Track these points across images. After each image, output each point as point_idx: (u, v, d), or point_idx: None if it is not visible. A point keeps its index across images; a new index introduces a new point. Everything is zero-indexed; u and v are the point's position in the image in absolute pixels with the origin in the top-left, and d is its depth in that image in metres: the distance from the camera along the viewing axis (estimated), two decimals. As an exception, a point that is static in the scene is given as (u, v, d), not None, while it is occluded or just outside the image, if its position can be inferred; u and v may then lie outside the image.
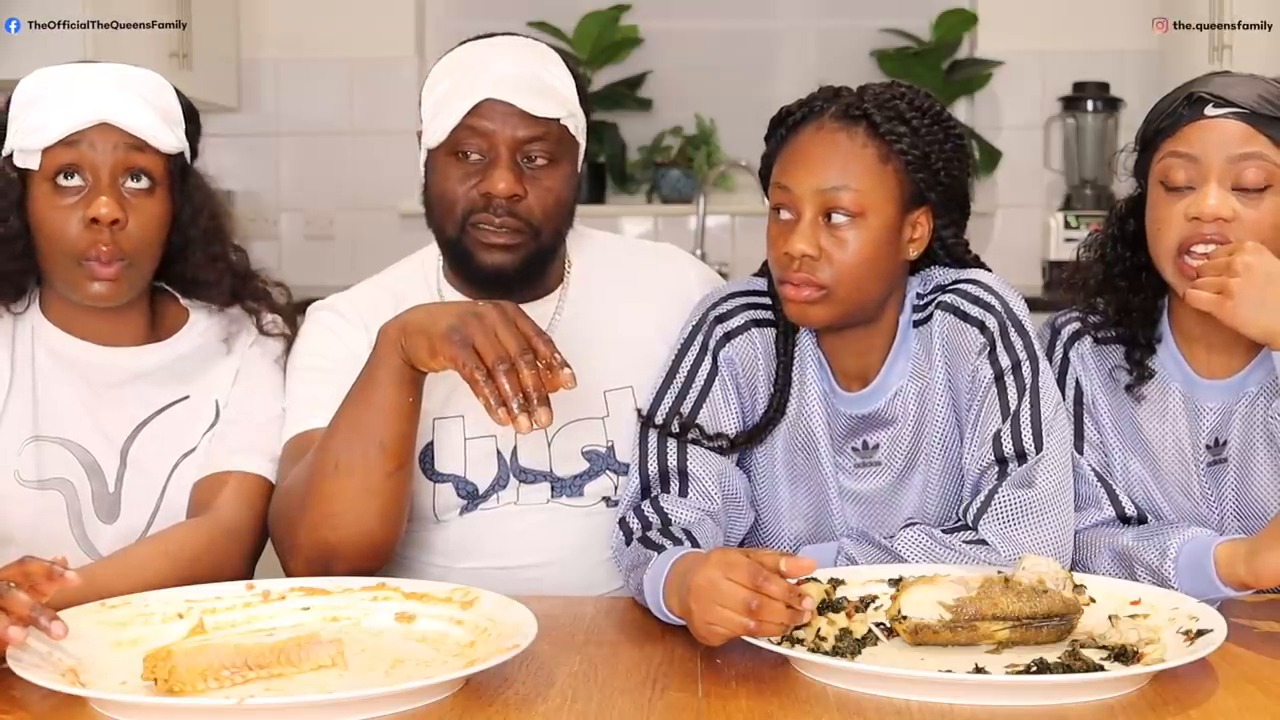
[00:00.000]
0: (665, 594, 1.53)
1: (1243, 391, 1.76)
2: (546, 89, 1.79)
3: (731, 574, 1.39)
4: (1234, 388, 1.76)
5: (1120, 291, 1.80)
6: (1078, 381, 1.81)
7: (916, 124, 1.71)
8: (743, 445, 1.80)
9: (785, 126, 1.74)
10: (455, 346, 1.52)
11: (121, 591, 1.55)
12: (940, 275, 1.79)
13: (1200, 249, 1.68)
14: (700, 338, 1.81)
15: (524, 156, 1.78)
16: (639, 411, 1.81)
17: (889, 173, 1.70)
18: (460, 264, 1.83)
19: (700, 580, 1.42)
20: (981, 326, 1.74)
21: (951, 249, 1.79)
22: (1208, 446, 1.77)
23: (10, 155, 1.71)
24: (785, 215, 1.71)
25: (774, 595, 1.38)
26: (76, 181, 1.69)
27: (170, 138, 1.74)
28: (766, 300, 1.83)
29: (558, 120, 1.79)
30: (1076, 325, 1.84)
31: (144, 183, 1.71)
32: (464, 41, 1.87)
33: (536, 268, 1.84)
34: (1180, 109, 1.71)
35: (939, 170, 1.72)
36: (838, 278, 1.68)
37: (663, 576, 1.54)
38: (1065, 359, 1.83)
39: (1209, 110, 1.68)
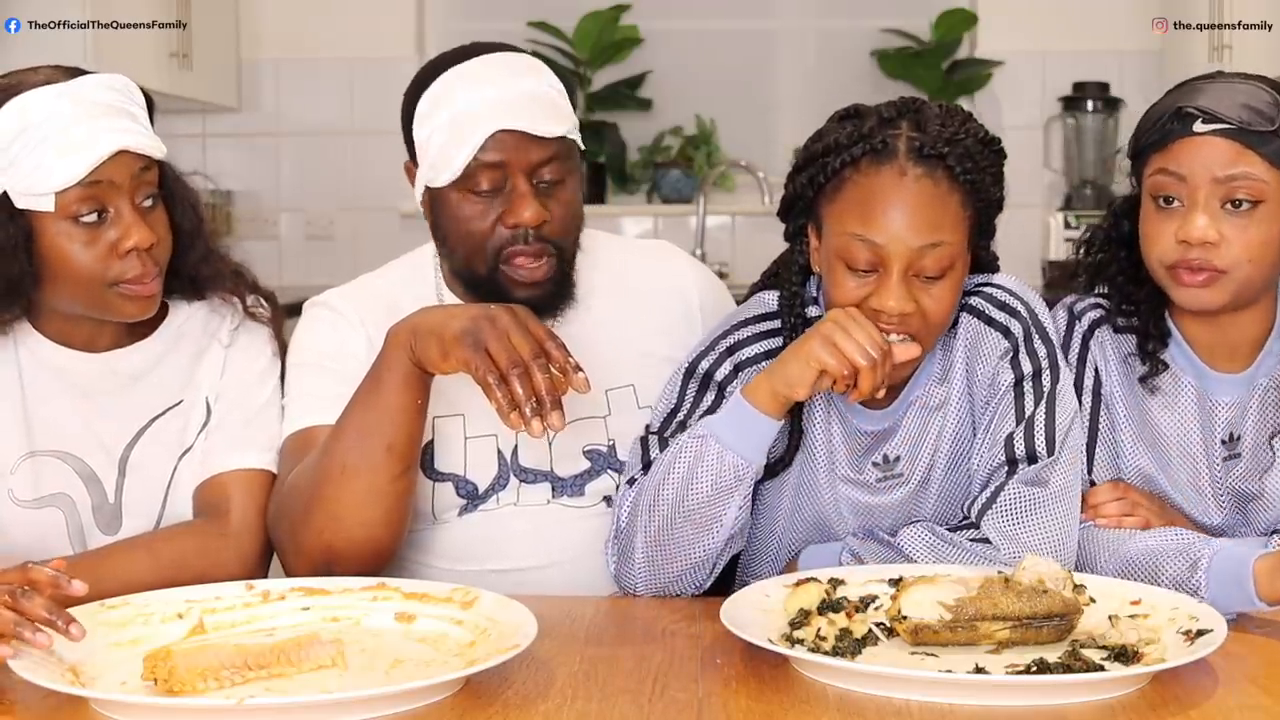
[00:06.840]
0: (752, 393, 1.63)
1: (1254, 384, 1.75)
2: (550, 106, 1.75)
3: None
4: (1245, 381, 1.76)
5: (1120, 286, 1.79)
6: (1096, 370, 1.79)
7: (980, 159, 1.66)
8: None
9: (842, 161, 1.66)
10: (468, 350, 1.51)
11: (95, 586, 1.55)
12: (965, 278, 1.76)
13: (1188, 275, 1.67)
14: (706, 364, 1.77)
15: (539, 180, 1.74)
16: (647, 428, 1.78)
17: (966, 217, 1.66)
18: (492, 299, 1.73)
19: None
20: (1006, 331, 1.73)
21: (981, 258, 1.77)
22: (1223, 442, 1.76)
23: (4, 194, 1.63)
24: (865, 270, 1.64)
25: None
26: (96, 216, 1.65)
27: (159, 143, 1.70)
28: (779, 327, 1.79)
29: (565, 136, 1.75)
30: (1098, 314, 1.81)
31: (153, 199, 1.70)
32: (440, 61, 1.79)
33: (567, 285, 1.81)
34: (1169, 124, 1.68)
35: (997, 199, 1.70)
36: (930, 332, 1.67)
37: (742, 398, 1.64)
38: (1085, 345, 1.80)
39: (1197, 126, 1.65)
